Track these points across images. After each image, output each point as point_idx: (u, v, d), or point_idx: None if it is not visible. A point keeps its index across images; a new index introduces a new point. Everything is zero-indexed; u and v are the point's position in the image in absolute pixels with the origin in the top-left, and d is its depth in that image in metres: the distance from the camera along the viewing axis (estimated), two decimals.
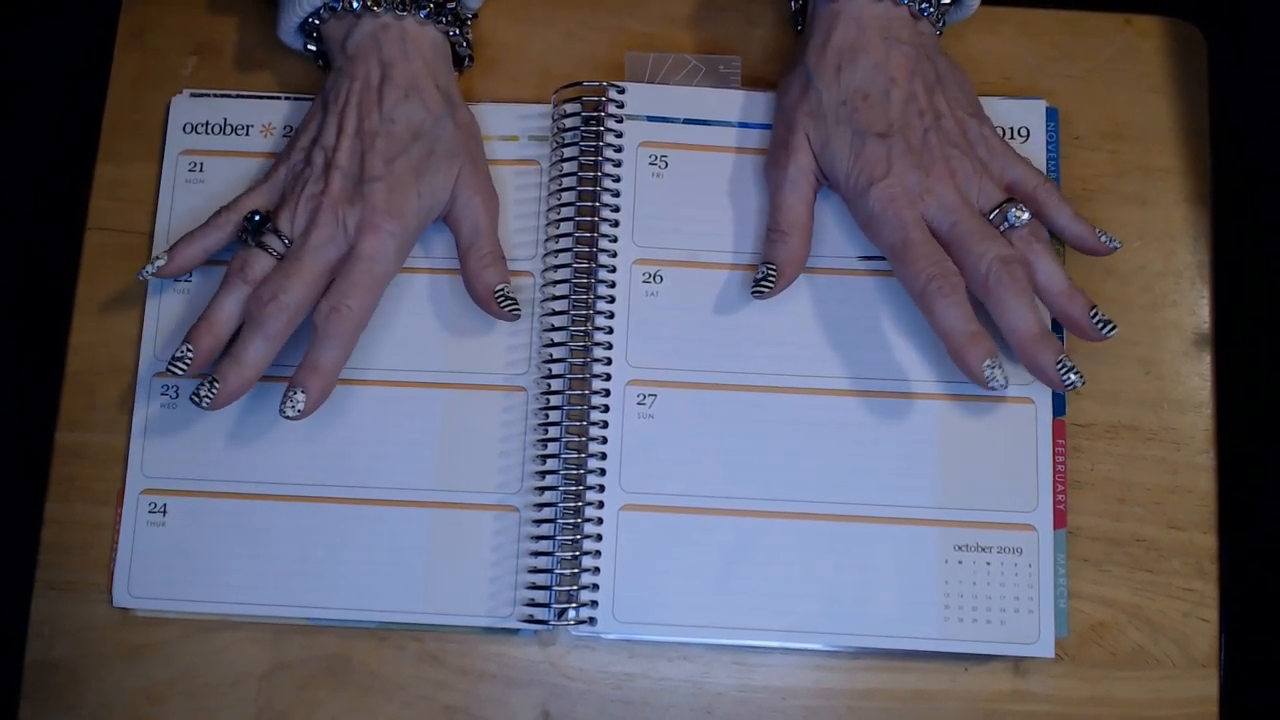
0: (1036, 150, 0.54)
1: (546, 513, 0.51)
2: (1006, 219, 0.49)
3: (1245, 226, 0.59)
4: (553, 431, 0.51)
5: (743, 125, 0.54)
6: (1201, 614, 0.51)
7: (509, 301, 0.51)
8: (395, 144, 0.50)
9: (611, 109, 0.54)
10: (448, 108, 0.52)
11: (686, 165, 0.54)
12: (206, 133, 0.55)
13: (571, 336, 0.52)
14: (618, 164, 0.54)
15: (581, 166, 0.53)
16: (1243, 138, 0.59)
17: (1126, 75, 0.55)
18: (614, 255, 0.53)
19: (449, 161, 0.51)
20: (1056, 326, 0.52)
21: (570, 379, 0.52)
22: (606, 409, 0.52)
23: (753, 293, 0.51)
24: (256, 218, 0.49)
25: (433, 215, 0.52)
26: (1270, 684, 0.58)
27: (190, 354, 0.48)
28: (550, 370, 0.52)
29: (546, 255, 0.53)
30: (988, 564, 0.50)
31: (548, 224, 0.54)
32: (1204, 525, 0.51)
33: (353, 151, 0.50)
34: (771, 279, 0.50)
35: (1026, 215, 0.48)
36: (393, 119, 0.50)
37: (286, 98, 0.56)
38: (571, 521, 0.50)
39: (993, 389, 0.47)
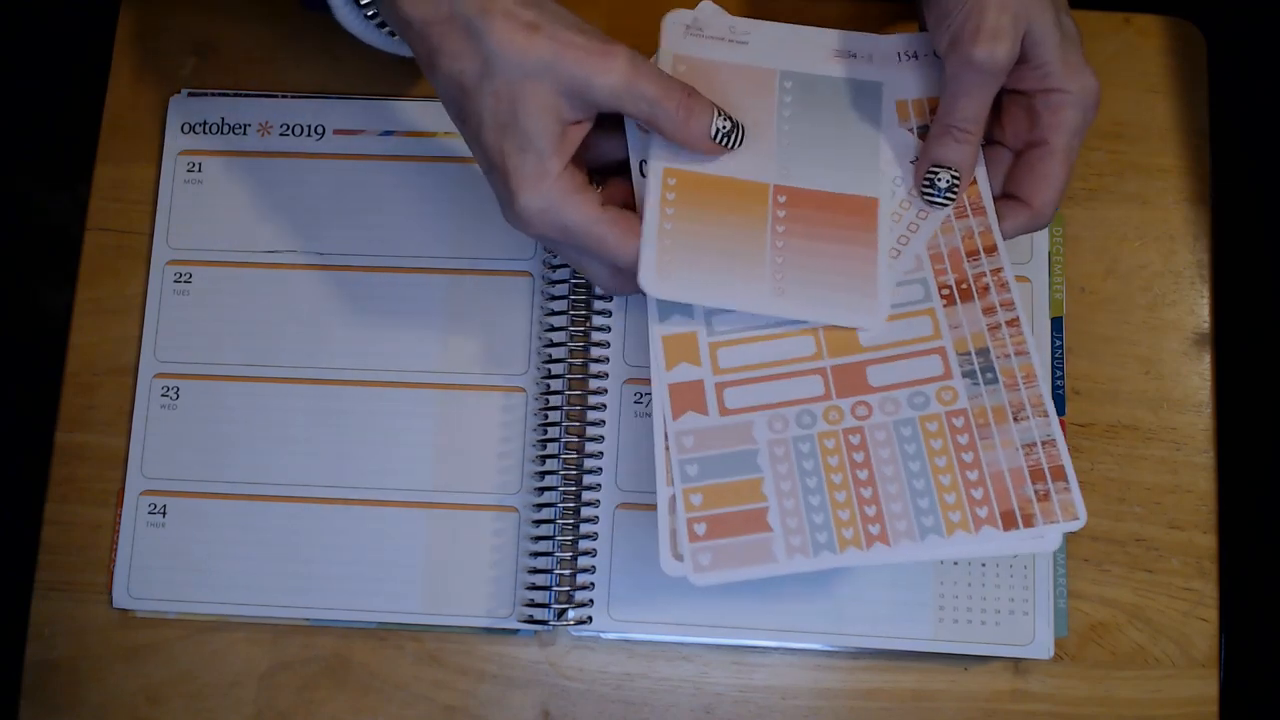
0: None
1: (546, 513, 0.51)
2: None
3: (1245, 226, 0.59)
4: (552, 432, 0.51)
5: None
6: (1201, 614, 0.51)
7: (727, 137, 0.45)
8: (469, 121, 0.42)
9: None
10: (471, 42, 0.41)
11: None
12: (205, 132, 0.55)
13: (571, 336, 0.52)
14: None
15: None
16: (1243, 138, 0.59)
17: (1126, 75, 0.55)
18: None
19: (520, 88, 0.41)
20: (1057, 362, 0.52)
21: (570, 379, 0.52)
22: (604, 407, 0.51)
23: (933, 202, 0.46)
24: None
25: (573, 135, 0.43)
26: (1270, 684, 0.58)
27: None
28: (550, 370, 0.52)
29: (546, 254, 0.53)
30: (983, 565, 0.50)
31: None
32: (1204, 525, 0.51)
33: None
34: (958, 185, 0.45)
35: None
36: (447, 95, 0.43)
37: (284, 97, 0.56)
38: (571, 522, 0.50)
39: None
